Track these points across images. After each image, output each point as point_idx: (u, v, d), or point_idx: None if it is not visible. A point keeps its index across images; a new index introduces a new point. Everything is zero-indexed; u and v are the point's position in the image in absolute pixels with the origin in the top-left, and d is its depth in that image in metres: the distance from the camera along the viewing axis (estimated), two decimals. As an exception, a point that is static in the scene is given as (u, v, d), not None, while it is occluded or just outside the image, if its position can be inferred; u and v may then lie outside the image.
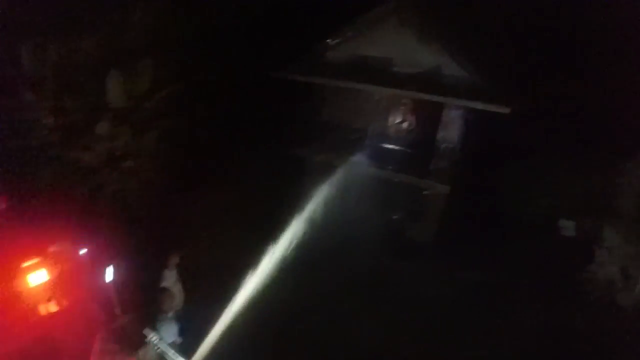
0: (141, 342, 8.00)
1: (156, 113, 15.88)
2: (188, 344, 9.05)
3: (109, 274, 9.57)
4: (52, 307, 8.95)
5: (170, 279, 10.34)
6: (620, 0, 15.57)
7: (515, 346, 12.07)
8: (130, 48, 14.87)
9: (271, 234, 12.06)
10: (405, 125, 17.52)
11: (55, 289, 8.93)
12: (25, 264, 8.54)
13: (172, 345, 8.56)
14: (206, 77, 16.66)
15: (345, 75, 16.59)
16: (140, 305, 10.12)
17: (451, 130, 16.56)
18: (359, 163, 17.04)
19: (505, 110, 14.85)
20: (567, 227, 14.78)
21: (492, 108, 15.06)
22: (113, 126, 15.07)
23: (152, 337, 7.92)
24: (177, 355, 8.04)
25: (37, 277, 8.58)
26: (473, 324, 13.13)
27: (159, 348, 7.91)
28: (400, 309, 13.56)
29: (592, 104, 15.36)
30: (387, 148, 17.13)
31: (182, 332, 9.37)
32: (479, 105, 15.44)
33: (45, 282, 8.71)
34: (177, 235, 13.90)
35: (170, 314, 9.07)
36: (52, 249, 9.12)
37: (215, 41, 16.39)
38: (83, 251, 9.52)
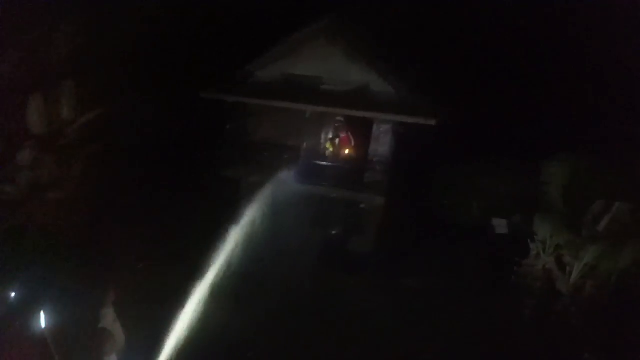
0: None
1: (81, 139, 14.80)
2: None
3: (42, 320, 8.73)
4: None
5: (109, 318, 9.59)
6: (535, 22, 17.18)
7: (463, 344, 11.97)
8: (51, 70, 14.00)
9: (208, 260, 11.85)
10: (337, 141, 17.60)
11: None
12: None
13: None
14: (133, 99, 15.90)
15: (276, 94, 16.63)
16: (80, 350, 9.15)
17: (382, 143, 16.86)
18: (293, 181, 16.77)
19: (431, 122, 15.51)
20: (500, 225, 15.18)
21: (420, 120, 15.73)
22: (36, 154, 13.92)
23: None
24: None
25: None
26: (419, 329, 12.83)
27: None
28: (345, 323, 13.05)
29: (511, 114, 16.47)
30: (322, 165, 17.01)
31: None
32: (407, 119, 16.08)
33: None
34: (111, 270, 12.85)
35: (112, 357, 8.50)
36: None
37: (141, 62, 15.84)
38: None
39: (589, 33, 15.72)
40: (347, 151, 17.66)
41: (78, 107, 14.68)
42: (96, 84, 15.00)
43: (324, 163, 17.08)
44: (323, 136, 17.67)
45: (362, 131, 17.29)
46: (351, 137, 17.65)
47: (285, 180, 16.92)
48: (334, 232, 16.78)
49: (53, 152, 14.22)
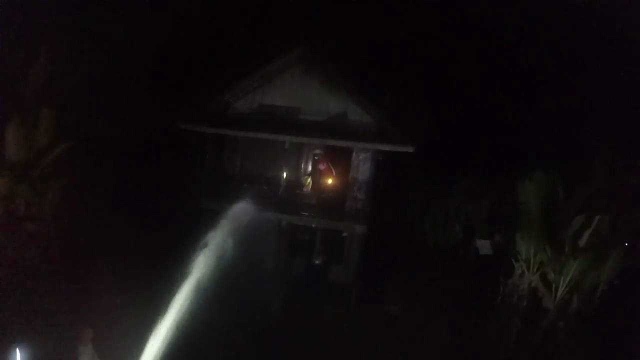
0: None
1: (58, 168, 14.30)
2: None
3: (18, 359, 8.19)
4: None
5: (86, 356, 9.21)
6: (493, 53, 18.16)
7: None
8: (29, 97, 13.70)
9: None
10: (317, 175, 17.56)
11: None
12: None
13: None
14: (110, 129, 15.68)
15: (254, 125, 16.72)
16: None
17: (362, 171, 16.88)
18: (274, 212, 16.56)
19: (410, 149, 15.72)
20: (484, 246, 15.16)
21: (399, 148, 15.92)
22: (12, 184, 13.37)
23: None
24: None
25: None
26: (405, 354, 12.61)
27: None
28: (326, 351, 12.68)
29: (485, 137, 16.92)
30: (302, 194, 16.88)
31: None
32: (385, 147, 16.25)
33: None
34: (87, 305, 12.26)
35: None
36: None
37: (119, 92, 15.78)
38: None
39: (550, 55, 16.58)
40: (329, 181, 17.60)
41: (55, 136, 14.30)
42: (73, 113, 14.72)
43: (305, 192, 16.97)
44: (302, 166, 17.63)
45: (341, 160, 17.39)
46: (331, 167, 17.67)
47: (266, 211, 16.73)
48: (316, 262, 16.49)
49: (30, 182, 13.74)
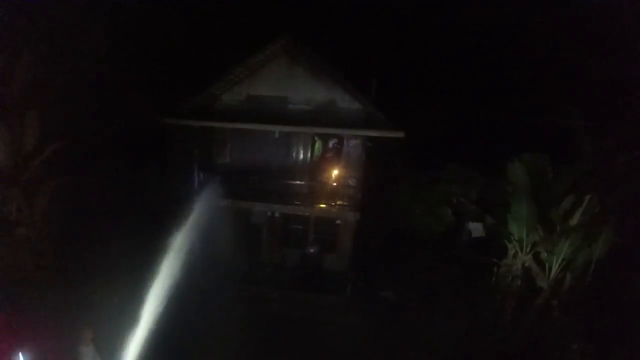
0: None
1: (47, 171, 13.96)
2: None
3: (19, 362, 8.17)
4: None
5: (88, 356, 9.41)
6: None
7: (448, 349, 12.05)
8: (15, 100, 13.28)
9: (178, 287, 11.55)
10: (308, 159, 17.45)
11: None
12: None
13: None
14: (97, 129, 15.29)
15: (243, 116, 16.54)
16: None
17: (353, 158, 16.89)
18: (266, 202, 16.49)
19: (400, 134, 15.70)
20: (477, 228, 15.34)
21: (389, 134, 15.87)
22: (3, 189, 13.14)
23: None
24: None
25: None
26: (401, 340, 12.82)
27: None
28: (323, 340, 12.85)
29: (473, 121, 17.07)
30: (293, 184, 16.75)
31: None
32: (375, 133, 16.19)
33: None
34: (86, 305, 12.20)
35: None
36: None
37: (104, 90, 15.38)
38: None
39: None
40: (318, 168, 17.51)
41: (42, 139, 13.93)
42: (60, 115, 14.34)
43: (296, 182, 16.86)
44: (293, 155, 17.48)
45: (332, 147, 17.37)
46: (321, 155, 17.61)
47: (258, 202, 16.61)
48: (310, 251, 16.48)
49: (20, 186, 13.41)
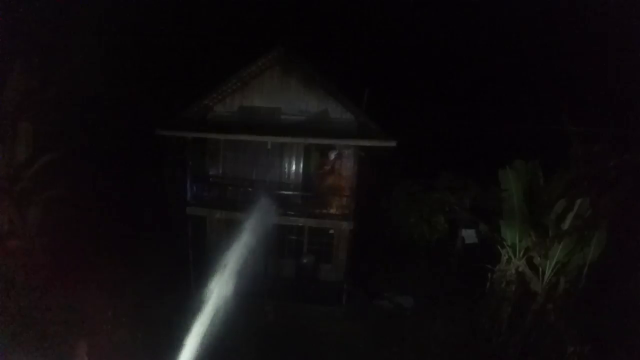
0: None
1: (39, 182, 14.00)
2: None
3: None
4: None
5: None
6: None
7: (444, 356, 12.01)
8: (7, 111, 13.38)
9: (179, 300, 12.09)
10: (301, 170, 17.50)
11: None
12: None
13: None
14: (90, 140, 15.38)
15: (235, 127, 16.62)
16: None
17: (346, 168, 16.96)
18: (259, 214, 16.45)
19: (392, 143, 15.79)
20: (469, 235, 15.32)
21: (381, 143, 15.94)
22: None
23: None
24: None
25: None
26: (398, 348, 12.72)
27: None
28: (321, 350, 12.79)
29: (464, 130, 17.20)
30: (287, 195, 16.76)
31: None
32: (368, 143, 16.26)
33: None
34: (79, 320, 12.05)
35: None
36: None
37: (97, 101, 15.53)
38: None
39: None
40: (311, 179, 17.53)
41: (35, 150, 14.01)
42: (53, 126, 14.44)
43: (289, 192, 16.89)
44: (286, 166, 17.54)
45: (325, 158, 17.42)
46: (314, 165, 17.66)
47: (251, 213, 16.58)
48: (304, 261, 16.41)
49: (12, 197, 13.42)
